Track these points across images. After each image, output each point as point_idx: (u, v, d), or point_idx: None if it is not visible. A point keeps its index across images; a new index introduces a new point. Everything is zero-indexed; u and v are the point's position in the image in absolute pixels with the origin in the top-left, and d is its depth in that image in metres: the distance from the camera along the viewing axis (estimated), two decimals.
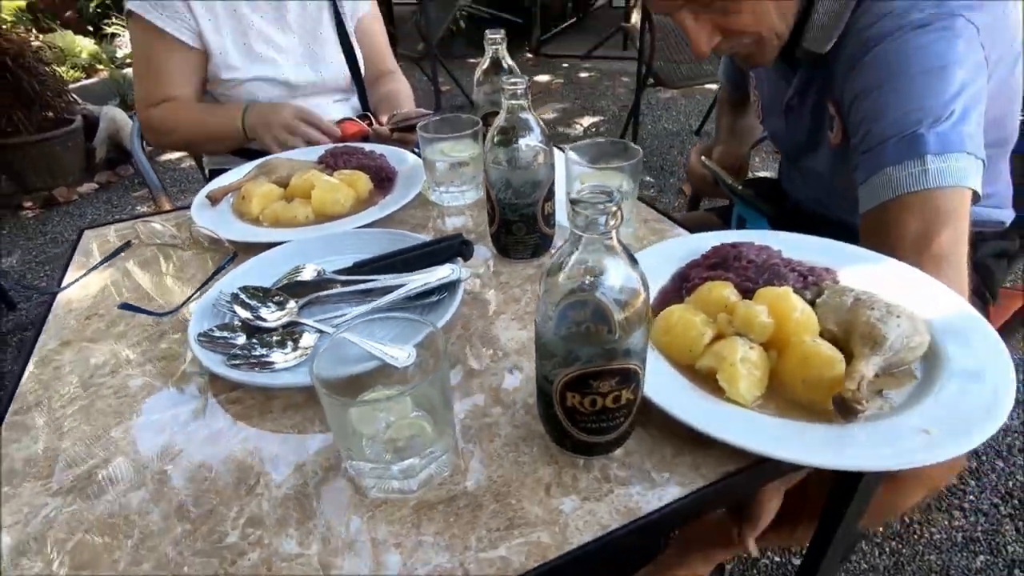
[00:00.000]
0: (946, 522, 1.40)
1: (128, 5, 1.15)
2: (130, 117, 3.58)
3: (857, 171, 0.77)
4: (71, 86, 3.58)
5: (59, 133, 3.16)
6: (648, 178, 3.05)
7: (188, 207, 0.98)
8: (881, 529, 1.38)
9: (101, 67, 4.12)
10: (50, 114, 3.18)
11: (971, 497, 1.45)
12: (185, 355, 0.68)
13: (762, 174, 2.93)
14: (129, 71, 4.17)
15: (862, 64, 0.76)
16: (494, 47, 0.94)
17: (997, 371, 0.54)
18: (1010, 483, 1.47)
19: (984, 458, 1.55)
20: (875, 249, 0.72)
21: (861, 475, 0.64)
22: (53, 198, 3.20)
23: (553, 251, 0.83)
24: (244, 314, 0.67)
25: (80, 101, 3.48)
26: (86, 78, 4.06)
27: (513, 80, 0.71)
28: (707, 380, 0.57)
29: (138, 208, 3.18)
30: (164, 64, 1.18)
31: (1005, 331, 1.05)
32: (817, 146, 0.95)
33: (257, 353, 0.62)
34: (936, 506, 1.43)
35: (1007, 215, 1.00)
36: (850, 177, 0.79)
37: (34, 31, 4.05)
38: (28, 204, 3.16)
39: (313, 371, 0.47)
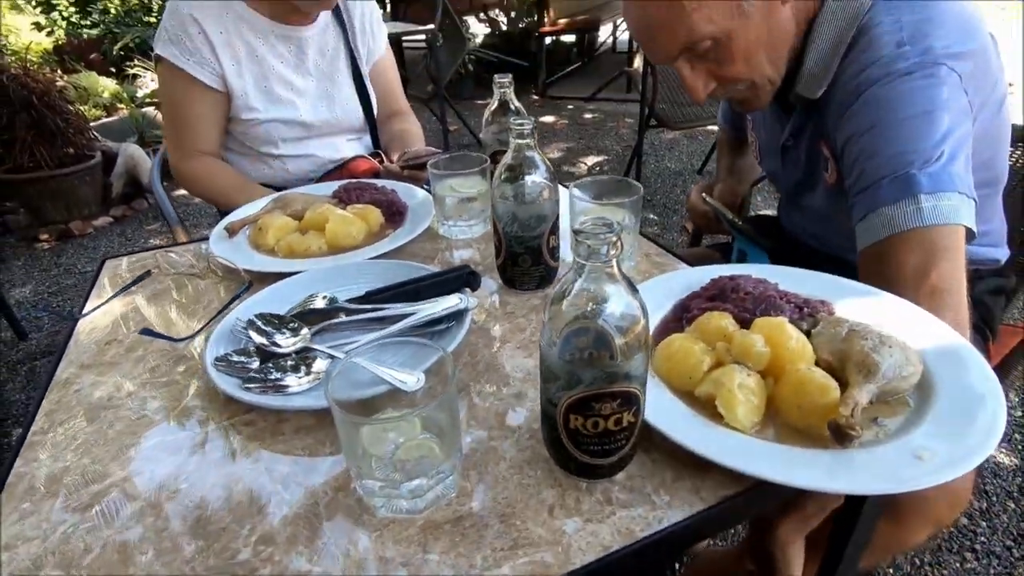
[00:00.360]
0: (957, 564, 1.38)
1: (157, 51, 1.21)
2: (147, 154, 3.70)
3: (853, 209, 0.80)
4: (92, 123, 3.71)
5: (78, 168, 3.26)
6: (652, 215, 3.11)
7: (205, 239, 1.02)
8: (891, 571, 1.36)
9: (122, 106, 4.27)
10: (71, 150, 3.28)
11: (983, 539, 1.43)
12: (201, 379, 0.71)
13: (763, 212, 2.97)
14: (148, 110, 4.32)
15: (852, 109, 0.80)
16: (502, 90, 0.99)
17: (988, 401, 0.55)
18: (1022, 525, 1.45)
19: (995, 499, 1.53)
20: (875, 284, 0.75)
21: (861, 507, 0.65)
22: (69, 231, 3.27)
23: (557, 281, 0.86)
24: (259, 339, 0.69)
25: (100, 138, 3.60)
26: (107, 116, 4.20)
27: (520, 121, 0.75)
28: (706, 406, 0.58)
29: (151, 241, 3.25)
30: (192, 108, 1.24)
31: (1004, 367, 1.06)
32: (814, 185, 0.99)
33: (272, 377, 0.64)
34: (947, 547, 1.41)
35: (1002, 253, 1.03)
36: (847, 214, 0.82)
37: (59, 72, 4.22)
38: (44, 236, 3.23)
39: (328, 391, 0.50)
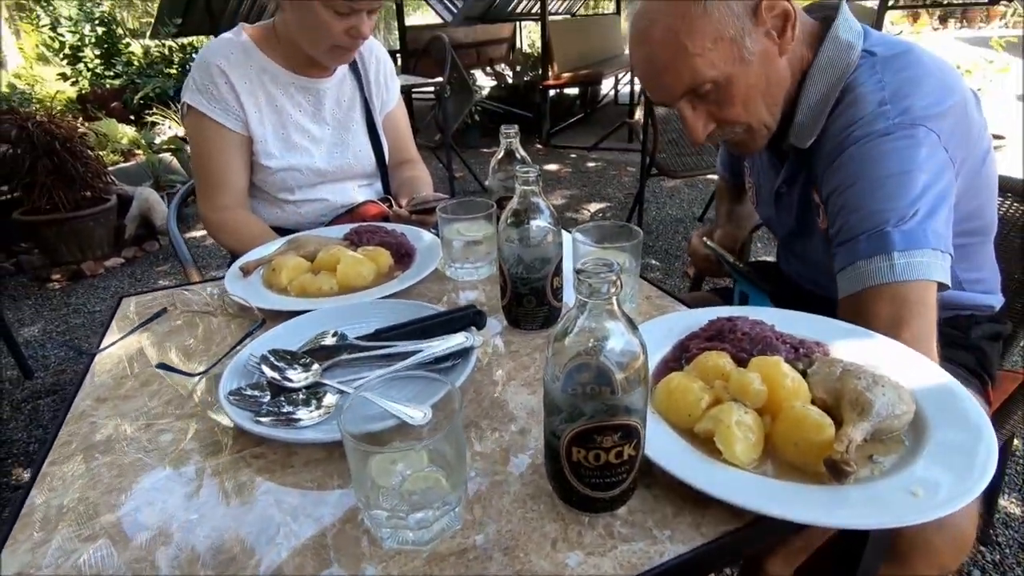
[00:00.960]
0: None
1: (185, 100, 1.28)
2: (161, 198, 3.80)
3: (835, 259, 0.84)
4: (110, 168, 3.83)
5: (94, 211, 3.35)
6: (654, 261, 3.15)
7: (219, 278, 1.05)
8: None
9: (139, 151, 4.41)
10: (88, 193, 3.39)
11: None
12: (214, 412, 0.72)
13: (763, 258, 3.02)
14: (165, 155, 4.47)
15: (838, 163, 0.85)
16: (508, 140, 1.05)
17: (980, 440, 0.57)
18: None
19: (1008, 550, 1.50)
20: None
21: (863, 548, 0.66)
22: (81, 271, 3.33)
23: (560, 319, 0.88)
24: (272, 374, 0.72)
25: (116, 182, 3.71)
26: (124, 161, 4.33)
27: (526, 169, 0.80)
28: (705, 443, 0.60)
29: (159, 282, 3.31)
30: (220, 154, 1.30)
31: (1004, 412, 1.07)
32: (807, 231, 1.03)
33: (284, 410, 0.66)
34: None
35: (996, 300, 1.05)
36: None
37: (81, 119, 4.39)
38: (56, 276, 3.29)
39: (340, 422, 0.52)
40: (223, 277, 1.05)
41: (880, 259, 0.77)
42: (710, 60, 0.82)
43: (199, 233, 3.76)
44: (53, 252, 3.36)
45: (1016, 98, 5.46)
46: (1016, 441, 1.84)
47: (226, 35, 1.33)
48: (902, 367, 0.67)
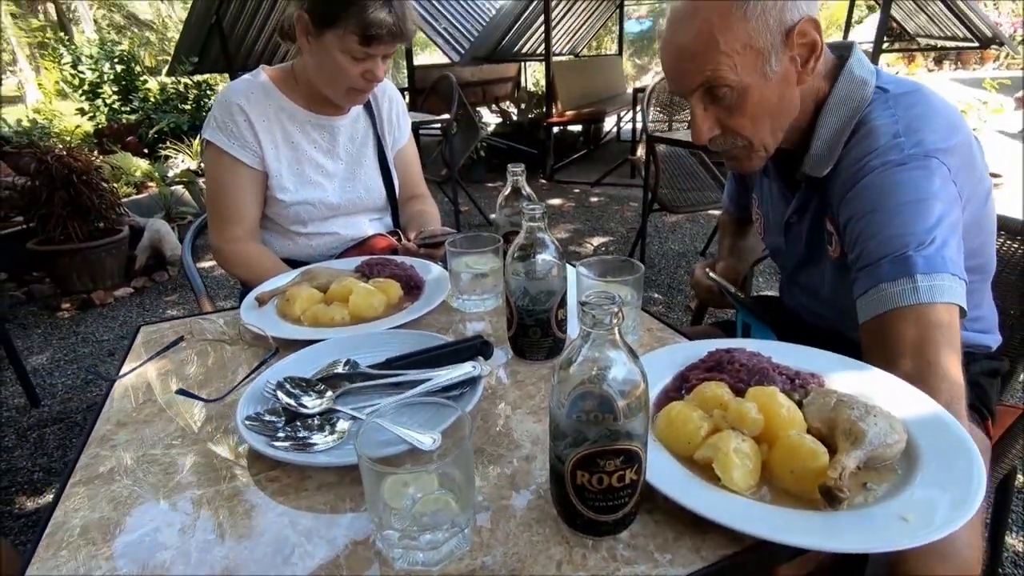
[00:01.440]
0: None
1: (205, 136, 1.35)
2: (172, 229, 3.88)
3: (855, 284, 0.86)
4: (123, 200, 3.92)
5: (106, 242, 3.42)
6: (656, 295, 3.19)
7: (231, 308, 1.09)
8: None
9: (152, 184, 4.52)
10: (101, 224, 3.46)
11: None
12: (230, 437, 0.75)
13: (765, 292, 3.05)
14: (177, 188, 4.57)
15: (855, 191, 0.88)
16: (514, 177, 1.10)
17: (970, 469, 0.59)
18: None
19: None
20: (876, 354, 0.81)
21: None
22: (90, 301, 3.38)
23: (565, 348, 0.91)
24: (287, 400, 0.74)
25: (129, 213, 3.80)
26: (137, 193, 4.44)
27: (532, 206, 0.84)
28: (705, 470, 0.62)
29: (168, 312, 3.35)
30: (235, 188, 1.36)
31: (1002, 446, 1.08)
32: (816, 260, 1.06)
33: (300, 435, 0.69)
34: None
35: (994, 340, 1.08)
36: (847, 290, 0.88)
37: (97, 152, 4.51)
38: (66, 306, 3.34)
39: (356, 445, 0.54)
40: (234, 307, 1.09)
41: (904, 281, 0.79)
42: (734, 63, 0.85)
43: (207, 264, 3.82)
44: (64, 281, 3.41)
45: (1004, 135, 5.55)
46: (1021, 477, 1.84)
47: (246, 76, 1.40)
48: (894, 398, 0.70)
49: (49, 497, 1.98)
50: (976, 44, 6.36)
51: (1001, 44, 6.28)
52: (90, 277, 3.43)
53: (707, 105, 0.91)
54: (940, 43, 7.21)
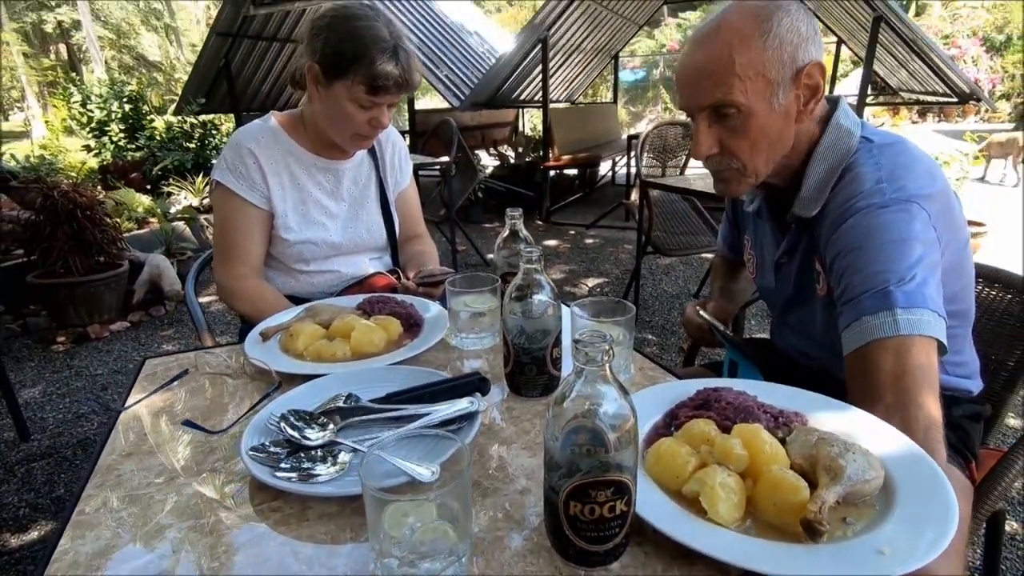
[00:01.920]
0: None
1: (215, 177, 1.40)
2: (171, 264, 3.92)
3: (840, 318, 0.91)
4: (125, 235, 3.97)
5: (105, 276, 3.45)
6: (650, 336, 3.22)
7: (234, 343, 1.12)
8: None
9: (153, 220, 4.58)
10: (101, 259, 3.50)
11: None
12: (234, 467, 0.77)
13: (757, 335, 3.09)
14: (178, 224, 4.64)
15: (840, 231, 0.94)
16: (513, 221, 1.15)
17: (941, 505, 0.62)
18: None
19: None
20: (858, 384, 0.84)
21: None
22: (86, 334, 3.38)
23: (559, 384, 0.94)
24: (291, 432, 0.77)
25: (130, 248, 3.84)
26: (138, 228, 4.50)
27: (530, 249, 0.89)
28: (692, 503, 0.65)
29: (163, 346, 3.35)
30: (242, 228, 1.41)
31: (986, 487, 1.10)
32: (805, 299, 1.10)
33: (303, 466, 0.71)
34: None
35: (975, 385, 1.11)
36: (835, 328, 0.93)
37: (101, 187, 4.59)
38: (61, 339, 3.34)
39: (361, 474, 0.57)
40: (231, 343, 1.11)
41: (884, 315, 0.84)
42: (746, 87, 0.91)
43: (205, 299, 3.84)
44: (61, 315, 3.42)
45: (986, 183, 5.70)
46: (1015, 525, 1.85)
47: (257, 121, 1.47)
48: (873, 437, 0.73)
49: (34, 534, 1.95)
50: (955, 100, 6.62)
51: (979, 100, 6.55)
52: (87, 311, 3.45)
53: (712, 123, 0.97)
54: (921, 97, 7.50)
